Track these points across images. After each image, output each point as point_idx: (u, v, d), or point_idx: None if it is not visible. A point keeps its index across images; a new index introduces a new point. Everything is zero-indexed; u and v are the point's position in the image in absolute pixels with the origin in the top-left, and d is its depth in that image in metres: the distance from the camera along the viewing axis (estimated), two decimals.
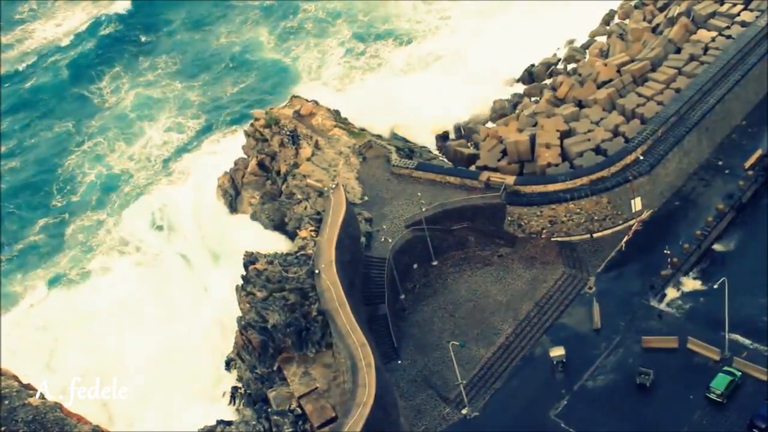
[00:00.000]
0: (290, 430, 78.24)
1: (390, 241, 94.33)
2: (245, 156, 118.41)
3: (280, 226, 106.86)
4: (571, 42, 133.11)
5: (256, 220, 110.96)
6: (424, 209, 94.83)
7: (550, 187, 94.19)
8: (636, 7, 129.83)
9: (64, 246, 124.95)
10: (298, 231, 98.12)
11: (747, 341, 79.23)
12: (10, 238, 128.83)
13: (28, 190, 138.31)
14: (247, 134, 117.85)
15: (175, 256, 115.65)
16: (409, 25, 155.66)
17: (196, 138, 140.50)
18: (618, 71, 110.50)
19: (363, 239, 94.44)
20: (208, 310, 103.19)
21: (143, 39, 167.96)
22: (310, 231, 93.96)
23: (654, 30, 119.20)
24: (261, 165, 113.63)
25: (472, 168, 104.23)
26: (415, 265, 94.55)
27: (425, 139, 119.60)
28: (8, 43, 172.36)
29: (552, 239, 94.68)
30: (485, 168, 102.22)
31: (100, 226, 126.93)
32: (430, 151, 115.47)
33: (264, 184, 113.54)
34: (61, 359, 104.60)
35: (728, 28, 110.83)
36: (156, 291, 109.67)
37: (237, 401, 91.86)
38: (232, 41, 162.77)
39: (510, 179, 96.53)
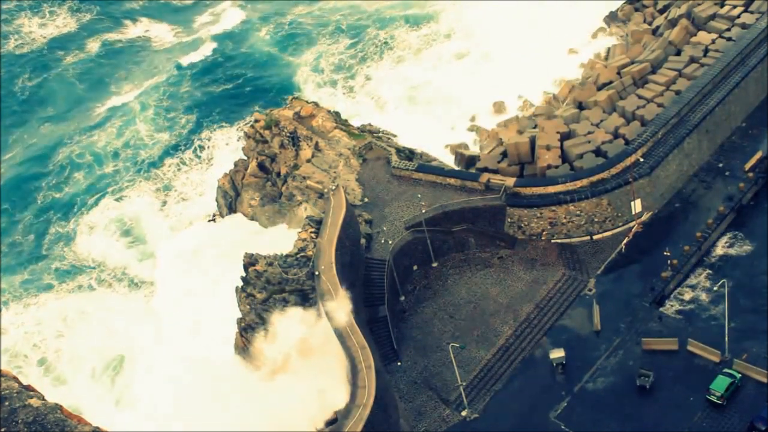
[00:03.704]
0: None
1: (390, 242, 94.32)
2: (245, 157, 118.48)
3: None
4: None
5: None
6: (424, 211, 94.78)
7: (551, 189, 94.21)
8: (636, 9, 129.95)
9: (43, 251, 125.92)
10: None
11: None
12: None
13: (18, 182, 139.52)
14: (248, 135, 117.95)
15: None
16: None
17: (185, 140, 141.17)
18: (618, 73, 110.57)
19: (363, 241, 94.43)
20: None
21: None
22: (310, 232, 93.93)
23: (654, 32, 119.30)
24: (261, 166, 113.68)
25: (473, 170, 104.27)
26: (415, 267, 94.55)
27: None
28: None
29: (552, 241, 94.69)
30: (485, 170, 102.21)
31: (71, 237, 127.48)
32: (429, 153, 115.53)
33: (264, 185, 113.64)
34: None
35: (728, 30, 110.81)
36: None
37: None
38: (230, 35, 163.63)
39: (510, 181, 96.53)
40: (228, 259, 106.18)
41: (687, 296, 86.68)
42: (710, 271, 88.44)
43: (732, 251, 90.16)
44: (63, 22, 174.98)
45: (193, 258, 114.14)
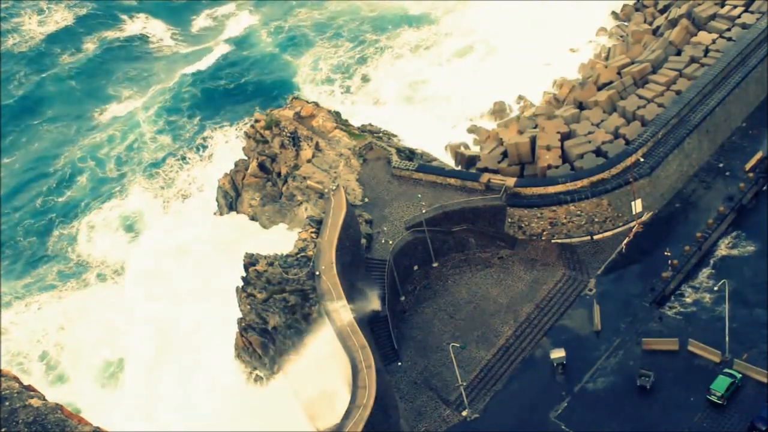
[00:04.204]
0: None
1: (390, 242, 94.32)
2: (246, 157, 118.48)
3: None
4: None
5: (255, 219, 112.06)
6: (424, 211, 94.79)
7: (551, 189, 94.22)
8: (636, 9, 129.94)
9: (47, 255, 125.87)
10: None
11: None
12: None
13: (20, 186, 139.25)
14: (248, 135, 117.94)
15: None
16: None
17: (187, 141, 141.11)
18: (618, 73, 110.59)
19: (363, 241, 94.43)
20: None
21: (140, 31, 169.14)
22: (311, 232, 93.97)
23: (655, 32, 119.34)
24: (261, 166, 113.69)
25: (473, 170, 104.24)
26: (416, 267, 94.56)
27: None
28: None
29: (552, 241, 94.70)
30: (486, 170, 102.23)
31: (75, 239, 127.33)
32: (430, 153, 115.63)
33: (264, 185, 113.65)
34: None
35: (729, 30, 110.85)
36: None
37: None
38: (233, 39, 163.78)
39: (510, 181, 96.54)
40: (227, 258, 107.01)
41: (688, 296, 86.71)
42: (711, 272, 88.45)
43: (734, 251, 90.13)
44: (61, 17, 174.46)
45: (181, 256, 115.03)
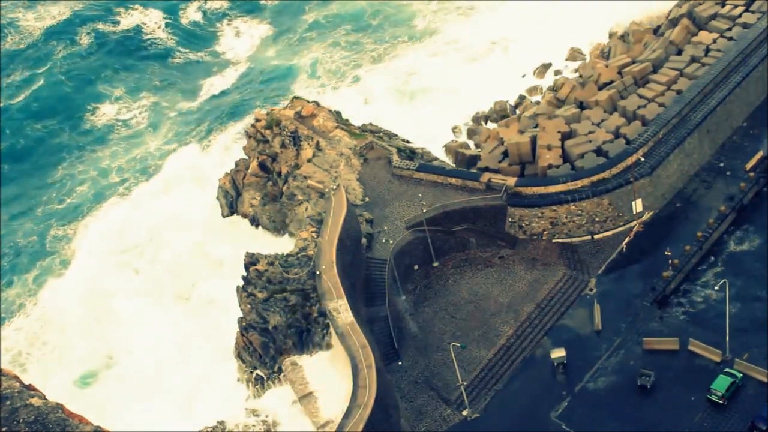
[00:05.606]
0: None
1: (391, 242, 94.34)
2: (246, 157, 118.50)
3: None
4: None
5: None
6: (425, 210, 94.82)
7: (551, 189, 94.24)
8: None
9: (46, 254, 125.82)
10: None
11: None
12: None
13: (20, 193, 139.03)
14: (249, 135, 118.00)
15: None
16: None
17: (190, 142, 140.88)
18: (619, 73, 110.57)
19: (364, 240, 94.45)
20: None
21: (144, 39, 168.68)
22: (311, 232, 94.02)
23: (655, 31, 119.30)
24: (262, 166, 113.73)
25: (473, 170, 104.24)
26: (416, 267, 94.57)
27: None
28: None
29: (553, 241, 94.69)
30: (486, 169, 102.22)
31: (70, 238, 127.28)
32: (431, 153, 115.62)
33: (265, 185, 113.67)
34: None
35: (729, 29, 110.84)
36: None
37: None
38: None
39: (511, 181, 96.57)
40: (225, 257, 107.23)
41: (688, 296, 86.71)
42: (712, 271, 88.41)
43: (737, 250, 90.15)
44: (59, 11, 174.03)
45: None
